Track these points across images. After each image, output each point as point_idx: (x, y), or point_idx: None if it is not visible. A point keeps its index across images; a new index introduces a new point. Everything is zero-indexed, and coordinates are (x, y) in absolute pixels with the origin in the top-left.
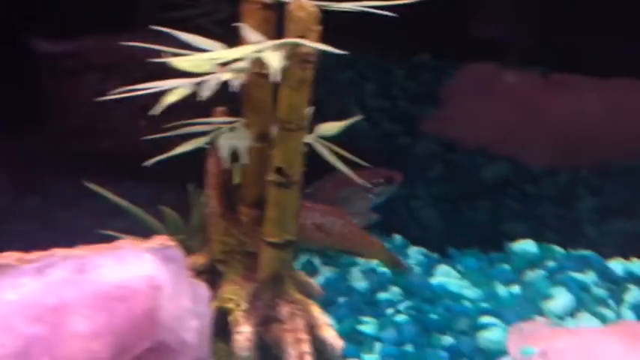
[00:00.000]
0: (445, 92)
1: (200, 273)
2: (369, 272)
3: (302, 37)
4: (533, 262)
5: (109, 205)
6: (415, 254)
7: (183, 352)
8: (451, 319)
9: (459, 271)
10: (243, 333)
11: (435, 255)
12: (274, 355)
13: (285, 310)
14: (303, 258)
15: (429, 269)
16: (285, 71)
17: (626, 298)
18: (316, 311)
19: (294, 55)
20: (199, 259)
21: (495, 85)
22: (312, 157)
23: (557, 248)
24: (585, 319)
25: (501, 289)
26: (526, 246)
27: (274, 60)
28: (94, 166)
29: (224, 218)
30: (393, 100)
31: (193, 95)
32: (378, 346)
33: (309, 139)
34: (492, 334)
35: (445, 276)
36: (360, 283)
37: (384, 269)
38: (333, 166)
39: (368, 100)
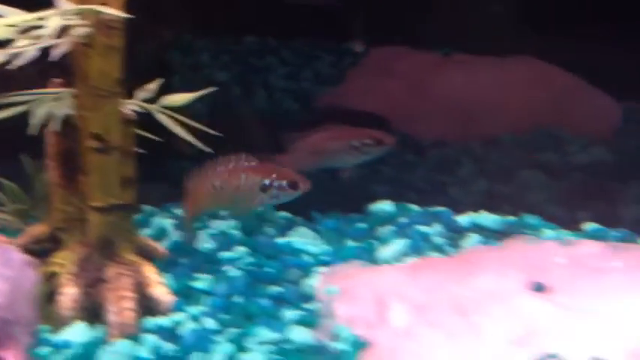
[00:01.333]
0: (349, 73)
1: (42, 241)
2: (220, 234)
3: (104, 4)
4: (387, 220)
5: None
6: (275, 217)
7: None
8: (284, 272)
9: (317, 232)
10: (68, 294)
11: (299, 218)
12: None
13: (112, 271)
14: (165, 222)
15: (284, 230)
16: (90, 38)
17: (464, 244)
18: (149, 271)
19: (98, 23)
20: (41, 228)
21: (397, 66)
22: None
23: (414, 207)
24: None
25: (350, 244)
26: (384, 206)
27: (53, 23)
28: None
29: (63, 187)
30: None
31: None
32: (208, 299)
33: (152, 108)
34: (315, 280)
35: (299, 236)
36: (206, 244)
37: (235, 231)
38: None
39: (278, 82)
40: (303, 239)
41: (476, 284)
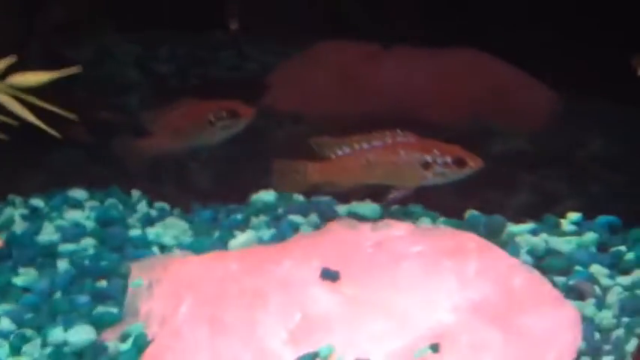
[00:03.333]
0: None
1: None
2: (71, 226)
3: None
4: (264, 210)
5: None
6: (145, 208)
7: None
8: (119, 265)
9: (191, 223)
10: None
11: (177, 209)
12: None
13: None
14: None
15: (152, 221)
16: None
17: None
18: None
19: None
20: None
21: (329, 58)
22: None
23: (299, 197)
24: None
25: (217, 235)
26: (265, 196)
27: None
28: None
29: None
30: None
31: None
32: (25, 296)
33: None
34: None
35: (165, 227)
36: (51, 236)
37: (89, 222)
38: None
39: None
40: (168, 230)
41: (272, 274)
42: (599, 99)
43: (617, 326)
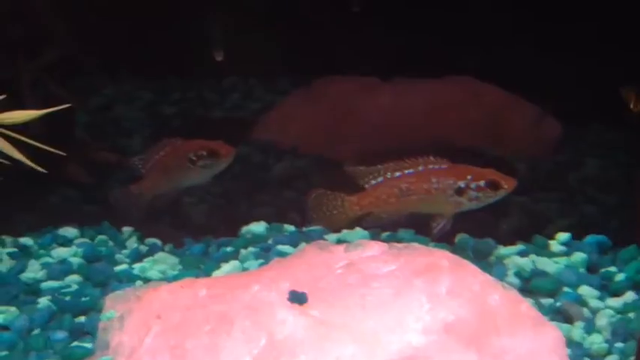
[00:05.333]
0: (281, 104)
1: None
2: (56, 263)
3: None
4: (254, 241)
5: None
6: (135, 244)
7: None
8: (100, 301)
9: (181, 257)
10: None
11: (170, 245)
12: None
13: None
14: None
15: (141, 257)
16: None
17: None
18: None
19: None
20: None
21: (326, 92)
22: None
23: (290, 227)
24: None
25: (203, 268)
26: (255, 228)
27: None
28: None
29: None
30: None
31: None
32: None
33: None
34: None
35: (153, 262)
36: (35, 274)
37: (75, 259)
38: None
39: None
40: (157, 265)
41: (239, 298)
42: (591, 123)
43: (610, 352)
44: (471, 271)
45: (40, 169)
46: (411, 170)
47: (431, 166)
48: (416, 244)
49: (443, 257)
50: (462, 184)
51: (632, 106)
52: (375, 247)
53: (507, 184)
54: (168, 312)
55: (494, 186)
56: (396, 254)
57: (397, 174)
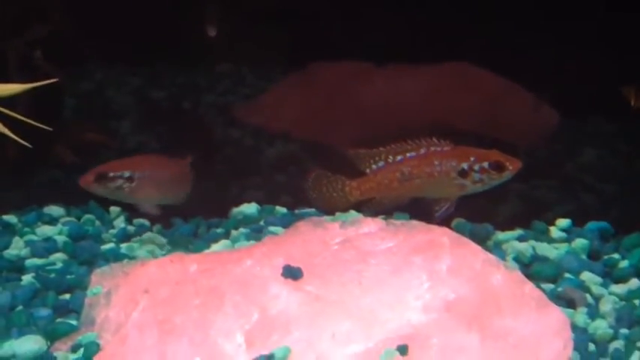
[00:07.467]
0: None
1: None
2: (41, 240)
3: None
4: (245, 222)
5: None
6: (122, 224)
7: None
8: (86, 278)
9: (170, 237)
10: None
11: (158, 226)
12: None
13: None
14: None
15: (128, 237)
16: None
17: None
18: None
19: None
20: None
21: (321, 76)
22: None
23: (282, 209)
24: None
25: (192, 248)
26: (247, 209)
27: None
28: None
29: None
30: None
31: None
32: None
33: None
34: None
35: (141, 242)
36: (19, 251)
37: (60, 237)
38: None
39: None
40: (145, 245)
41: (231, 273)
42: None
43: (615, 337)
44: (472, 249)
45: (25, 143)
46: (412, 153)
47: (433, 148)
48: (414, 221)
49: (443, 234)
50: (465, 165)
51: (632, 103)
52: (372, 224)
53: (512, 165)
54: (156, 287)
55: (498, 167)
56: (393, 231)
57: (399, 157)
